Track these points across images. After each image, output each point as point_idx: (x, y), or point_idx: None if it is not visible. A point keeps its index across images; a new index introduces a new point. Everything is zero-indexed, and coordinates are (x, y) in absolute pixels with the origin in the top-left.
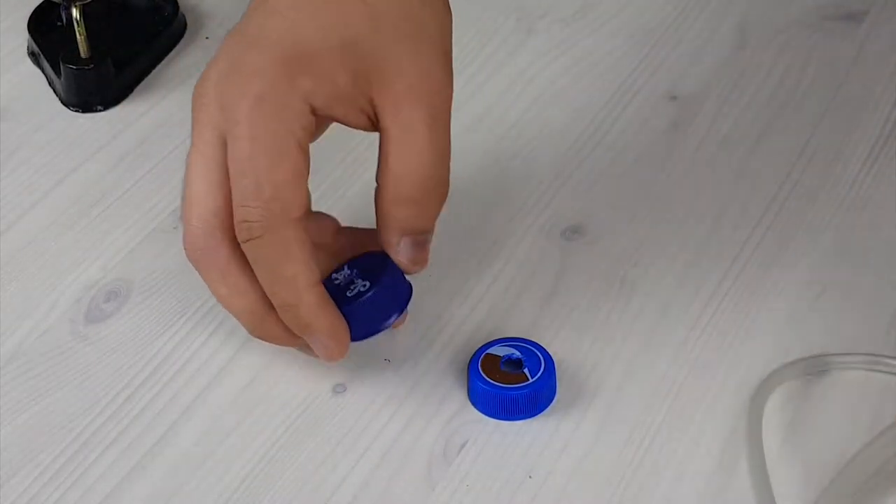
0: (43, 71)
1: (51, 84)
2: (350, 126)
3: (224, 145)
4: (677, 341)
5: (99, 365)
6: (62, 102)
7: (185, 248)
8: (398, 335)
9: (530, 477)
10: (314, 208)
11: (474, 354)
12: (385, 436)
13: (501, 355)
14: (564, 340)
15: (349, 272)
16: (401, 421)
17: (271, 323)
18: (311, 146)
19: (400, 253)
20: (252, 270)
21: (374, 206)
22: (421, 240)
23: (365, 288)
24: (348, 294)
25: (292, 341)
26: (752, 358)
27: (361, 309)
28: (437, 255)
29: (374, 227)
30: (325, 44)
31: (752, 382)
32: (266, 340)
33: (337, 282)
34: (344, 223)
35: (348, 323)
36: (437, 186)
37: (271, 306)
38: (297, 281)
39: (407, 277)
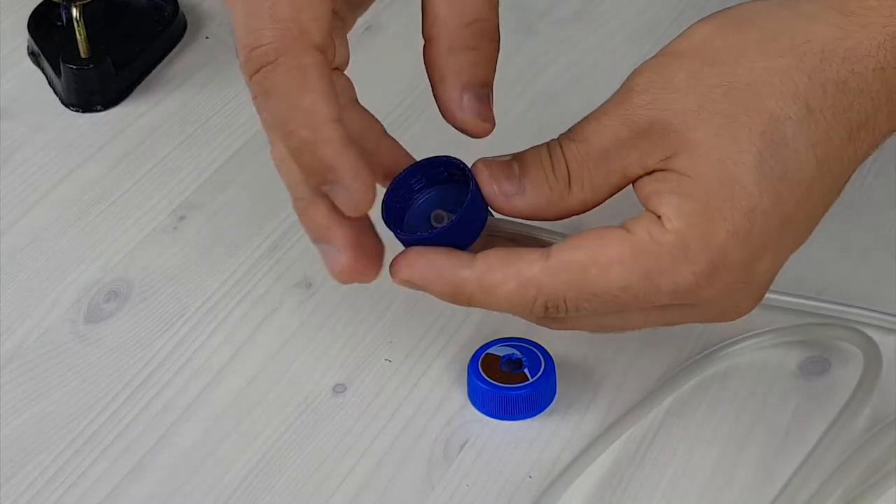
0: (43, 71)
1: (51, 84)
2: None
3: None
4: (677, 341)
5: (99, 365)
6: (62, 102)
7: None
8: (398, 335)
9: (530, 477)
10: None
11: (474, 354)
12: (385, 436)
13: (501, 355)
14: (564, 340)
15: (415, 180)
16: (401, 421)
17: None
18: None
19: (465, 110)
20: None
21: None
22: (483, 93)
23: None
24: (433, 222)
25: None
26: (753, 357)
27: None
28: None
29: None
30: None
31: (752, 382)
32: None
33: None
34: None
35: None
36: (489, 32)
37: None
38: (316, 113)
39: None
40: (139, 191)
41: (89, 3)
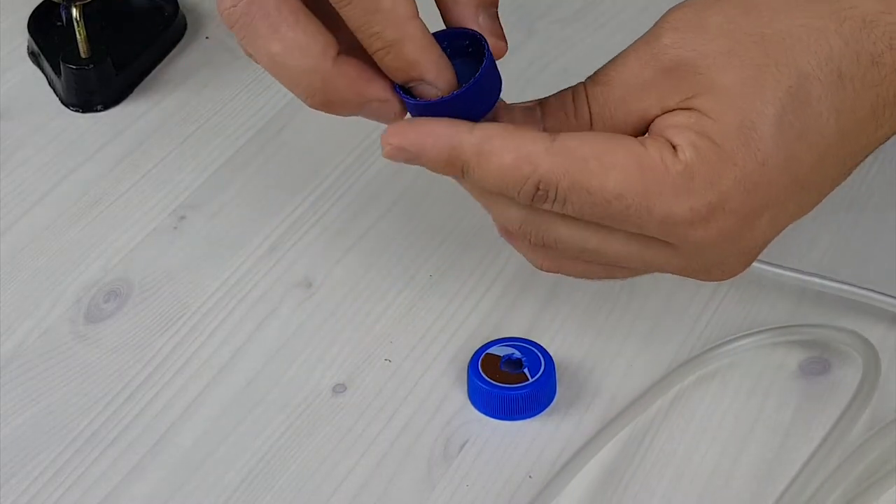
0: (43, 71)
1: (51, 84)
2: None
3: None
4: (677, 341)
5: (99, 365)
6: (62, 102)
7: (221, 10)
8: (398, 335)
9: (530, 477)
10: (313, 205)
11: (474, 354)
12: (385, 436)
13: (501, 355)
14: (564, 340)
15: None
16: (401, 421)
17: (339, 80)
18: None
19: (483, 29)
20: (306, 18)
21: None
22: (494, 12)
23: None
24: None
25: (359, 103)
26: (753, 357)
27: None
28: (438, 255)
29: None
30: None
31: (752, 381)
32: (329, 108)
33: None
34: (344, 223)
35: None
36: None
37: (336, 60)
38: (398, 12)
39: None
40: (139, 191)
41: (89, 3)
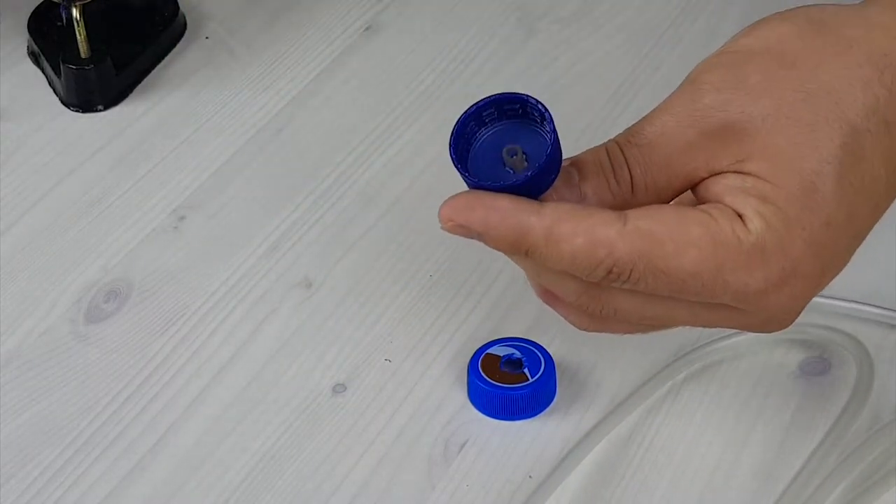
0: (43, 71)
1: (51, 84)
2: None
3: None
4: (677, 342)
5: (99, 365)
6: (62, 102)
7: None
8: (398, 335)
9: (530, 477)
10: (313, 205)
11: (474, 354)
12: (385, 436)
13: (501, 355)
14: (564, 340)
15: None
16: (401, 421)
17: None
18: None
19: None
20: None
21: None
22: None
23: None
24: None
25: None
26: (753, 357)
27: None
28: (438, 254)
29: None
30: None
31: (752, 381)
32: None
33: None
34: (344, 223)
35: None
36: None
37: None
38: None
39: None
40: (139, 191)
41: (89, 3)
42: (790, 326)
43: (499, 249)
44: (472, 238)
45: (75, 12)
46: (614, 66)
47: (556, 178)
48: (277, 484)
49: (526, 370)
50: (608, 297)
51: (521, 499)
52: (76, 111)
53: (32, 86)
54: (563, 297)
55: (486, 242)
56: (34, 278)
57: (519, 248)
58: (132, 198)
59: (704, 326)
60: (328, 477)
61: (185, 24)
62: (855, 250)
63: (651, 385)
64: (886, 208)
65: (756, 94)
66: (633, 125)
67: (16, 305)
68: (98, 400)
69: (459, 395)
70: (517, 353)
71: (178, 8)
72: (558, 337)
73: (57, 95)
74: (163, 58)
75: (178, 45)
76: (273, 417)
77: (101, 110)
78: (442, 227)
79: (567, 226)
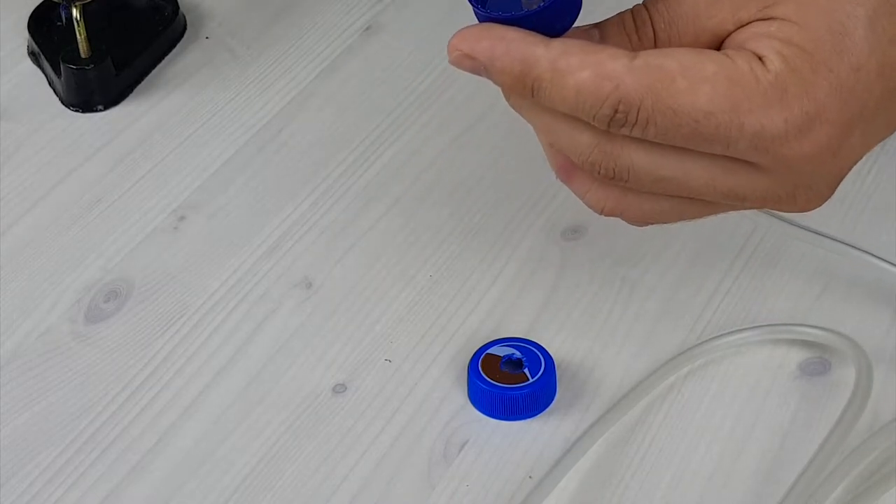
0: (43, 71)
1: (51, 84)
2: None
3: None
4: (677, 341)
5: (99, 365)
6: (62, 102)
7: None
8: (398, 335)
9: (530, 477)
10: (313, 205)
11: (474, 354)
12: (385, 436)
13: (501, 355)
14: (564, 340)
15: None
16: (401, 421)
17: None
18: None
19: None
20: None
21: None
22: None
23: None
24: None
25: None
26: (753, 357)
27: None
28: (438, 255)
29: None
30: None
31: (752, 382)
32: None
33: None
34: (344, 223)
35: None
36: None
37: None
38: None
39: None
40: (139, 191)
41: (89, 3)
42: (821, 203)
43: (504, 86)
44: (478, 73)
45: (75, 12)
46: None
47: (572, 22)
48: (277, 484)
49: (526, 370)
50: (620, 149)
51: (520, 499)
52: (76, 111)
53: (32, 86)
54: (576, 158)
55: (491, 76)
56: (34, 278)
57: (524, 82)
58: (132, 198)
59: (721, 198)
60: (328, 477)
61: (185, 24)
62: (890, 108)
63: (651, 381)
64: None
65: None
66: None
67: (16, 305)
68: (98, 400)
69: (459, 395)
70: (517, 353)
71: (178, 8)
72: (558, 337)
73: (57, 95)
74: (163, 58)
75: (178, 45)
76: (273, 417)
77: (101, 110)
78: (449, 61)
79: (574, 59)
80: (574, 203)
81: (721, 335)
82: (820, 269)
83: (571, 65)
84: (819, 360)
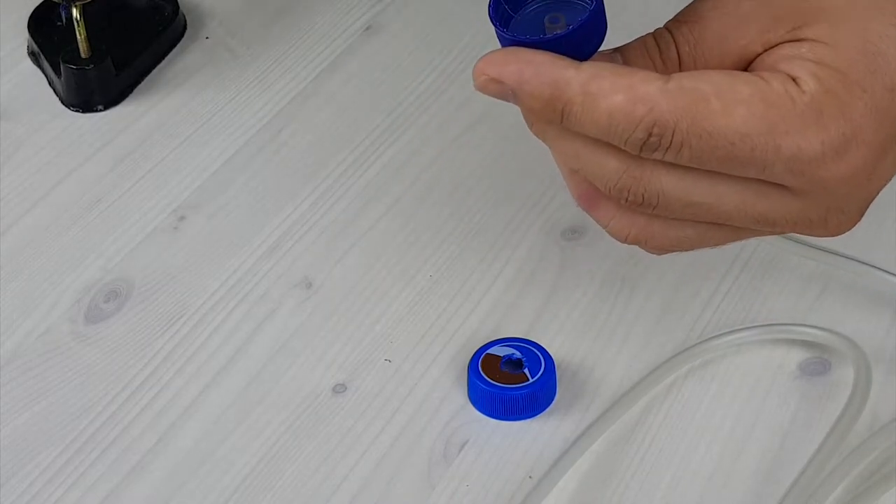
0: (43, 71)
1: (51, 84)
2: None
3: None
4: (677, 341)
5: (99, 365)
6: (62, 102)
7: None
8: (398, 335)
9: (530, 477)
10: (313, 205)
11: (474, 354)
12: (385, 436)
13: (501, 355)
14: (564, 340)
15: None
16: (401, 421)
17: None
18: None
19: None
20: None
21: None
22: None
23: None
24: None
25: None
26: (753, 357)
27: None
28: (438, 255)
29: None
30: None
31: (752, 382)
32: None
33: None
34: (344, 223)
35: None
36: None
37: None
38: None
39: None
40: (139, 191)
41: (89, 3)
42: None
43: (533, 111)
44: (505, 98)
45: (75, 12)
46: None
47: (599, 45)
48: (277, 484)
49: (526, 370)
50: (650, 175)
51: (520, 499)
52: (76, 111)
53: (32, 86)
54: (603, 185)
55: (519, 102)
56: (34, 278)
57: (554, 106)
58: (132, 198)
59: (751, 223)
60: (328, 477)
61: (185, 24)
62: None
63: (651, 381)
64: None
65: None
66: (685, 7)
67: (16, 305)
68: (98, 400)
69: (459, 395)
70: (517, 353)
71: (178, 8)
72: (558, 337)
73: (57, 95)
74: (163, 58)
75: (178, 45)
76: (273, 417)
77: (101, 110)
78: (475, 86)
79: (606, 82)
80: (574, 203)
81: (721, 335)
82: (819, 270)
83: (603, 88)
84: (819, 360)
